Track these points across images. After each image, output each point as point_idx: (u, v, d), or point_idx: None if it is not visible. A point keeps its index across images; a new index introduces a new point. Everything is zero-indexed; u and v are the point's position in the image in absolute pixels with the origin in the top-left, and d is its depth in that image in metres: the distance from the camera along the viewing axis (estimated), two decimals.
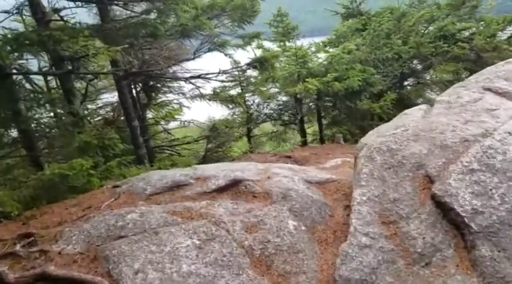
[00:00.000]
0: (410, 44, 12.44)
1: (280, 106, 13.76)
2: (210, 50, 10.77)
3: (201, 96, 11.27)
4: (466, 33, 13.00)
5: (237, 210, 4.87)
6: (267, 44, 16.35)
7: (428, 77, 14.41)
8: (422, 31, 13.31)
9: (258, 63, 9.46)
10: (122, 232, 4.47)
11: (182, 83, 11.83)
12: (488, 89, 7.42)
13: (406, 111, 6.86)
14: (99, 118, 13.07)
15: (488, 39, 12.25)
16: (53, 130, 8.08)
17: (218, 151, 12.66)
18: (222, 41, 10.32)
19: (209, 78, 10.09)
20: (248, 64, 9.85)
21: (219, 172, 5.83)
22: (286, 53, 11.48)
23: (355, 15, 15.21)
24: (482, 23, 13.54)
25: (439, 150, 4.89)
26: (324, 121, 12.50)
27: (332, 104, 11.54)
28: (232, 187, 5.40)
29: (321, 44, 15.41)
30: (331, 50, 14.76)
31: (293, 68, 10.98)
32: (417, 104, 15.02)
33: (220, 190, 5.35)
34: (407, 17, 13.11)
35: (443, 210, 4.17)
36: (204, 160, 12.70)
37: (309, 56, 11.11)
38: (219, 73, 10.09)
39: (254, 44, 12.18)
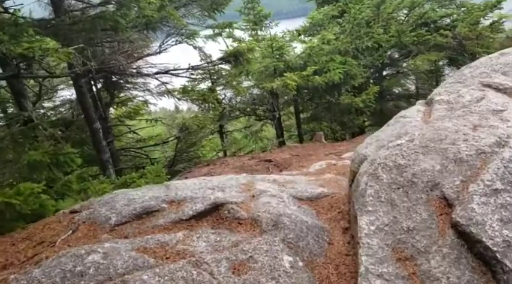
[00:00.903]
0: (391, 33, 11.90)
1: (254, 101, 13.03)
2: (177, 43, 9.90)
3: (169, 93, 10.41)
4: (448, 20, 12.56)
5: (220, 244, 4.16)
6: (238, 33, 15.61)
7: (406, 66, 13.97)
8: (402, 18, 12.78)
9: (233, 57, 8.68)
10: (82, 281, 3.69)
11: (148, 79, 10.92)
12: (488, 86, 6.92)
13: (403, 112, 6.29)
14: (57, 118, 12.02)
15: (471, 27, 11.83)
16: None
17: (189, 152, 11.86)
18: (191, 33, 9.47)
19: (178, 74, 9.24)
20: (221, 58, 9.06)
21: (196, 192, 5.10)
22: (261, 44, 10.70)
23: (331, 2, 14.56)
24: (463, 9, 13.14)
25: (453, 165, 4.29)
26: (302, 116, 11.85)
27: (310, 99, 10.88)
28: (213, 212, 4.69)
29: (295, 32, 14.75)
30: (307, 39, 14.15)
31: (269, 61, 10.25)
32: (397, 95, 14.74)
33: (199, 216, 4.63)
34: (386, 4, 12.54)
35: (468, 241, 3.58)
36: (174, 161, 11.90)
37: (285, 48, 10.38)
38: (188, 68, 9.25)
39: (225, 34, 11.37)
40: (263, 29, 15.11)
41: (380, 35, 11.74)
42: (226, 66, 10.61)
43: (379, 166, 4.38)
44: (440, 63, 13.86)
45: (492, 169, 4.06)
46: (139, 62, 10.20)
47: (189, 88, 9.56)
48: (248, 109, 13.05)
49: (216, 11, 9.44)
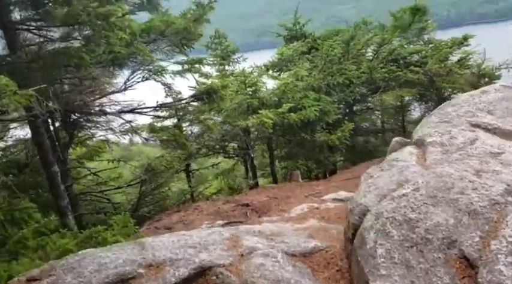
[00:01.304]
0: (362, 69, 11.88)
1: (224, 137, 12.54)
2: (144, 79, 9.39)
3: (135, 132, 9.79)
4: (417, 57, 12.72)
5: None
6: (205, 68, 15.27)
7: (374, 101, 13.97)
8: (372, 55, 12.85)
9: (206, 95, 8.25)
10: None
11: (111, 117, 10.26)
12: (477, 126, 6.77)
13: (395, 155, 5.99)
14: (8, 160, 11.08)
15: (440, 63, 12.00)
16: None
17: (154, 195, 11.17)
18: (159, 68, 9.01)
19: (145, 112, 8.70)
20: (194, 96, 8.62)
21: (176, 252, 4.52)
22: (233, 80, 10.37)
23: (299, 38, 14.55)
24: (431, 45, 13.39)
25: (467, 217, 3.94)
26: (276, 153, 11.48)
27: (284, 136, 10.55)
28: (199, 277, 4.12)
29: (263, 67, 14.56)
30: (276, 74, 13.99)
31: (242, 97, 9.89)
32: (365, 130, 14.70)
33: None
34: (355, 40, 12.59)
35: None
36: (138, 205, 11.16)
37: (259, 84, 10.08)
38: (157, 106, 8.73)
39: (194, 70, 10.96)
40: (231, 64, 14.88)
41: (351, 71, 11.69)
42: (196, 103, 10.14)
43: (388, 221, 3.97)
44: (407, 98, 13.98)
45: (511, 223, 3.75)
46: (103, 100, 9.58)
47: (157, 128, 8.99)
48: (217, 146, 12.55)
49: (186, 46, 9.03)
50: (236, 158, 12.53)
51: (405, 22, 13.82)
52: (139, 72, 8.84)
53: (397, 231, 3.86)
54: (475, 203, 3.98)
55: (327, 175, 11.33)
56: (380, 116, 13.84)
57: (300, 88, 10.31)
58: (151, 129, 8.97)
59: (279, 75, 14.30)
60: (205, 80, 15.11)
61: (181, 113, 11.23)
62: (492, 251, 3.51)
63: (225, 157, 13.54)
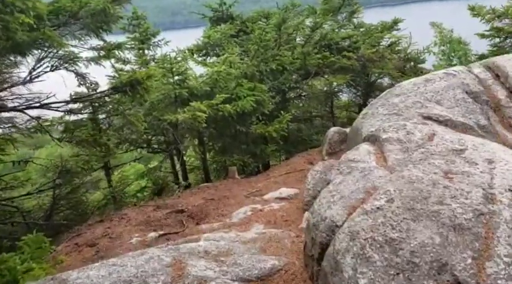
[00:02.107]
0: (296, 55, 11.42)
1: (148, 131, 11.50)
2: (53, 69, 8.16)
3: (43, 130, 8.52)
4: (348, 41, 12.49)
5: None
6: (123, 54, 13.99)
7: (306, 88, 13.63)
8: (304, 40, 12.43)
9: (129, 87, 7.26)
10: None
11: (13, 112, 8.86)
12: (429, 118, 6.55)
13: (351, 154, 5.57)
14: None
15: (372, 48, 11.87)
16: None
17: (71, 199, 9.98)
18: (70, 55, 7.85)
19: (57, 108, 7.54)
20: (115, 88, 7.58)
21: None
22: (157, 66, 9.40)
23: (226, 20, 13.77)
24: (362, 29, 13.25)
25: (454, 234, 3.56)
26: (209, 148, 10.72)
27: (218, 129, 9.82)
28: None
29: (187, 51, 13.63)
30: (204, 59, 13.15)
31: (170, 88, 8.97)
32: (296, 118, 14.40)
33: None
34: (287, 23, 12.08)
35: None
36: (52, 211, 9.92)
37: (188, 72, 9.22)
38: (70, 101, 7.59)
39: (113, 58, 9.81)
40: (151, 48, 13.75)
41: (285, 57, 11.18)
42: (116, 95, 9.03)
43: (367, 242, 3.46)
44: (335, 84, 13.82)
45: (503, 239, 3.39)
46: (3, 93, 8.20)
47: (71, 127, 7.82)
48: (140, 140, 11.49)
49: (102, 30, 7.92)
50: (162, 154, 11.60)
51: (335, 5, 13.57)
52: (47, 60, 7.60)
53: (378, 255, 3.36)
54: (459, 216, 3.60)
55: (263, 169, 10.81)
56: (309, 102, 13.53)
57: (233, 76, 9.59)
58: (66, 127, 7.80)
59: (205, 59, 13.48)
60: (123, 66, 13.98)
61: (97, 104, 10.02)
62: (489, 276, 3.12)
63: (149, 152, 12.54)
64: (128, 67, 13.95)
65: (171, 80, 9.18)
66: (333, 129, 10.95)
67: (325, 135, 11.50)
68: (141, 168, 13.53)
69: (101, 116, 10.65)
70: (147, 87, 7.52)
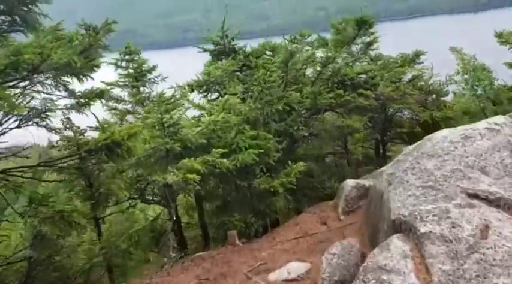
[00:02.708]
0: (305, 93, 10.28)
1: (140, 178, 10.30)
2: (23, 124, 7.08)
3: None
4: (364, 76, 11.31)
5: None
6: (115, 91, 12.98)
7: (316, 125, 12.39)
8: (314, 76, 11.29)
9: (105, 151, 6.13)
10: None
11: None
12: (475, 196, 5.29)
13: (380, 257, 4.39)
14: None
15: (393, 85, 10.69)
16: None
17: (48, 266, 8.83)
18: (42, 108, 6.78)
19: (21, 175, 6.40)
20: (89, 151, 6.43)
21: None
22: (148, 118, 8.27)
23: (228, 53, 12.69)
24: (379, 62, 12.08)
25: None
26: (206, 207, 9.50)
27: (216, 186, 8.64)
28: None
29: (186, 88, 12.57)
30: (204, 96, 12.07)
31: (160, 141, 7.83)
32: (306, 156, 13.18)
33: None
34: (295, 58, 10.96)
35: None
36: (26, 281, 8.77)
37: (182, 123, 8.09)
38: (38, 165, 6.46)
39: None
40: (147, 85, 12.71)
41: (292, 97, 10.02)
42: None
43: None
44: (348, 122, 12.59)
45: None
46: None
47: (39, 197, 6.62)
48: (132, 191, 10.31)
49: (81, 77, 6.82)
50: (158, 205, 10.42)
51: (349, 35, 12.45)
52: (10, 117, 6.52)
53: None
54: None
55: (269, 228, 9.56)
56: (321, 141, 12.29)
57: (232, 124, 8.46)
58: (30, 199, 6.60)
59: (206, 96, 12.38)
60: (117, 105, 12.94)
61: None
62: None
63: (143, 202, 11.34)
64: (121, 106, 12.95)
65: (162, 132, 8.03)
66: (350, 183, 9.72)
67: (340, 187, 10.26)
68: (136, 216, 12.38)
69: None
70: (129, 148, 6.37)
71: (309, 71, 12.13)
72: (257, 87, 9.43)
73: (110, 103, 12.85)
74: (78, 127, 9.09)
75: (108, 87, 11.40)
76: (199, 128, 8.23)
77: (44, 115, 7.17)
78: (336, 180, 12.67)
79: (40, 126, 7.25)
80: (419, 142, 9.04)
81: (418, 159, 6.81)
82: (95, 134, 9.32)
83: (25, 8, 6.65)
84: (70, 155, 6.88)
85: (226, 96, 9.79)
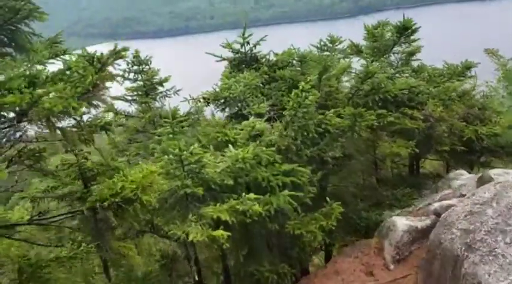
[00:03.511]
0: (343, 115, 8.95)
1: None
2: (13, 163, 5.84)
3: None
4: (407, 92, 9.92)
5: None
6: (122, 105, 11.72)
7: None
8: (351, 92, 9.96)
9: (111, 210, 4.87)
10: None
11: None
12: None
13: None
14: None
15: (443, 103, 9.34)
16: None
17: None
18: (34, 150, 5.55)
19: (9, 236, 5.16)
20: (93, 210, 5.16)
21: None
22: (163, 152, 7.00)
23: (249, 63, 11.37)
24: (423, 74, 10.71)
25: None
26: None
27: (241, 231, 7.36)
28: None
29: (201, 100, 11.33)
30: (224, 110, 10.78)
31: (178, 184, 6.56)
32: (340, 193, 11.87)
33: None
34: (329, 71, 9.62)
35: None
36: None
37: (204, 160, 6.80)
38: (31, 220, 5.22)
39: None
40: (158, 98, 11.44)
41: (331, 120, 8.71)
42: None
43: None
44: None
45: None
46: None
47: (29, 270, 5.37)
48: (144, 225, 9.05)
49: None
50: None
51: (388, 43, 11.07)
52: None
53: None
54: None
55: (300, 274, 8.31)
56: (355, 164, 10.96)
57: (264, 159, 7.19)
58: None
59: (224, 110, 11.07)
60: (124, 121, 11.68)
61: None
62: None
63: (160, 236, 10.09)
64: (131, 121, 11.68)
65: (180, 171, 6.75)
66: (401, 225, 8.37)
67: (385, 227, 8.92)
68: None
69: None
70: (143, 203, 5.12)
71: (344, 81, 10.82)
72: (290, 111, 8.10)
73: (118, 118, 11.63)
74: (81, 149, 7.93)
75: (114, 117, 10.10)
76: (225, 165, 6.93)
77: (37, 155, 5.93)
78: (371, 208, 11.40)
79: (34, 169, 6.01)
80: (483, 175, 7.67)
81: (506, 218, 5.51)
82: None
83: (12, 27, 5.48)
84: (71, 212, 5.62)
85: (252, 119, 8.49)
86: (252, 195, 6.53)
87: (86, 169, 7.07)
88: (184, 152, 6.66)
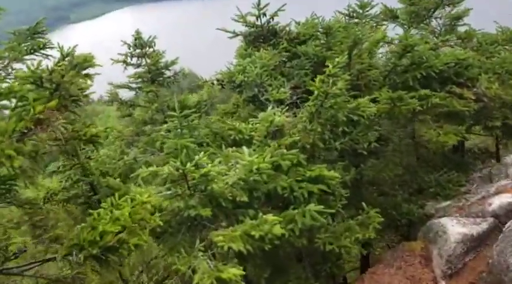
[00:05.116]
0: (381, 100, 7.65)
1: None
2: None
3: None
4: (452, 64, 8.44)
5: None
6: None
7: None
8: (386, 69, 8.57)
9: (93, 261, 3.86)
10: None
11: None
12: None
13: None
14: None
15: (499, 78, 7.88)
16: None
17: None
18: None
19: None
20: (67, 256, 4.15)
21: None
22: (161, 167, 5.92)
23: (266, 38, 10.02)
24: (472, 43, 9.17)
25: None
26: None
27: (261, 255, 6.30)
28: None
29: (215, 82, 10.26)
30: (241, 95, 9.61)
31: (180, 205, 5.51)
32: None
33: None
34: (360, 45, 8.25)
35: None
36: None
37: (214, 170, 5.70)
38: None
39: None
40: (166, 84, 10.26)
41: (362, 105, 7.40)
42: None
43: None
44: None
45: None
46: None
47: None
48: None
49: None
50: None
51: (428, 6, 9.50)
52: None
53: None
54: None
55: None
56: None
57: (283, 168, 6.06)
58: None
59: (240, 93, 9.86)
60: (132, 110, 10.62)
61: None
62: None
63: None
64: (138, 111, 10.59)
65: (184, 189, 5.68)
66: (454, 235, 7.08)
67: (432, 230, 7.69)
68: None
69: None
70: (132, 249, 4.10)
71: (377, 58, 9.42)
72: (315, 102, 6.83)
73: (124, 109, 10.60)
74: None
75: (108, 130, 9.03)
76: (236, 177, 5.81)
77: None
78: (411, 198, 10.14)
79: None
80: None
81: None
82: None
83: None
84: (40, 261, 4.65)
85: (270, 111, 7.28)
86: (270, 217, 5.40)
87: None
88: (188, 165, 5.56)
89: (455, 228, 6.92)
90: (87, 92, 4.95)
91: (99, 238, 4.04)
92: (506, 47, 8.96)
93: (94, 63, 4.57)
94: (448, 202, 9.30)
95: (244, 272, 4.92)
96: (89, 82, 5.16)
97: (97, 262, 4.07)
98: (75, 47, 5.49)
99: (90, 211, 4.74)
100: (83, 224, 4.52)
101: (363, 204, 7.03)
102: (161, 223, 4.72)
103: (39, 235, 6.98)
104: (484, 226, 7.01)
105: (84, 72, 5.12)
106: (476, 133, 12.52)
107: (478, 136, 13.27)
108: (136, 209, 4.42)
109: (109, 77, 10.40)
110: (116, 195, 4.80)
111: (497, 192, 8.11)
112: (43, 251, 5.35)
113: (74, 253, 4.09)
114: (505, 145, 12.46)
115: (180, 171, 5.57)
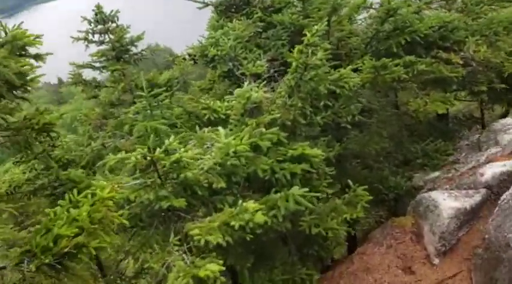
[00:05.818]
0: (364, 69, 7.16)
1: None
2: None
3: None
4: (438, 30, 7.96)
5: None
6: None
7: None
8: (367, 34, 8.07)
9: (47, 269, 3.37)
10: None
11: None
12: None
13: None
14: None
15: (487, 40, 7.45)
16: None
17: None
18: None
19: None
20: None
21: None
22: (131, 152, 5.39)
23: (239, 7, 9.40)
24: (458, 3, 8.70)
25: None
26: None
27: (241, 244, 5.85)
28: None
29: (186, 57, 9.66)
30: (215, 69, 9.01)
31: (150, 197, 5.01)
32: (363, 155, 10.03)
33: None
34: (340, 11, 7.71)
35: None
36: None
37: (187, 154, 5.19)
38: None
39: None
40: (132, 61, 9.56)
41: (343, 76, 6.91)
42: None
43: None
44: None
45: None
46: None
47: None
48: None
49: None
50: None
51: None
52: None
53: None
54: None
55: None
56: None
57: (265, 147, 5.57)
58: None
59: (214, 67, 9.27)
60: (97, 92, 9.94)
61: None
62: None
63: None
64: (103, 93, 9.92)
65: (154, 177, 5.15)
66: (447, 209, 6.70)
67: (423, 204, 7.29)
68: None
69: None
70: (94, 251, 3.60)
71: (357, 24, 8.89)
72: (294, 75, 6.30)
73: (90, 90, 9.91)
74: None
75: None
76: (212, 162, 5.30)
77: None
78: (398, 170, 9.78)
79: None
80: None
81: None
82: None
83: None
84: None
85: (246, 87, 6.72)
86: (251, 205, 4.93)
87: None
88: (157, 152, 5.02)
89: (448, 202, 6.56)
90: (33, 75, 4.36)
91: (53, 244, 3.53)
92: (493, 7, 8.54)
93: (34, 41, 3.95)
94: (436, 173, 8.97)
95: (224, 268, 4.47)
96: (36, 64, 4.56)
97: (52, 270, 3.58)
98: (20, 23, 4.86)
99: (47, 210, 4.22)
100: (37, 226, 4.00)
101: (349, 181, 6.63)
102: (126, 222, 4.20)
103: None
104: (477, 198, 6.68)
105: (30, 53, 4.53)
106: (461, 100, 12.20)
107: (461, 102, 12.96)
108: (96, 207, 3.89)
109: (84, 57, 9.71)
110: (75, 190, 4.26)
111: (488, 161, 7.78)
112: None
113: (26, 262, 3.59)
114: (491, 109, 12.19)
115: (148, 158, 5.05)
